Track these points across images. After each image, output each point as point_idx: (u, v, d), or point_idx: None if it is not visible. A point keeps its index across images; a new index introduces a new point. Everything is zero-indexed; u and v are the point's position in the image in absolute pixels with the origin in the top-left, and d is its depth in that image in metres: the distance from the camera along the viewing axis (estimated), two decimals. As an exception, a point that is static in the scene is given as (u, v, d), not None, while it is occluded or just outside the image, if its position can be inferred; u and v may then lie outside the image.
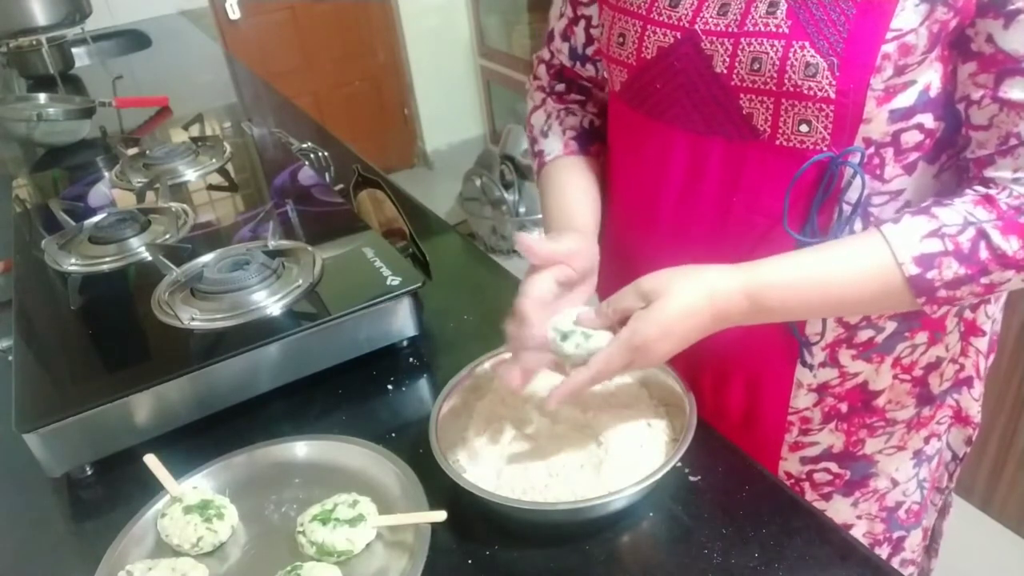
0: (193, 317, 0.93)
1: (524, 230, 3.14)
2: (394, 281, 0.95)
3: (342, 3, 3.66)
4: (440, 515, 0.69)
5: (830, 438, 0.87)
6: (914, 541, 0.98)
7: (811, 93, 0.66)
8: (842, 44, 0.64)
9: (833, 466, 0.89)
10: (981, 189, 0.67)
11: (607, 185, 0.90)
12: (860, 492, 0.91)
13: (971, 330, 0.85)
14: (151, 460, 0.77)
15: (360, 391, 0.93)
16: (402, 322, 0.96)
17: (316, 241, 1.07)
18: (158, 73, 2.39)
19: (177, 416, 0.88)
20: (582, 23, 0.89)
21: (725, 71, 0.69)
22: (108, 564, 0.69)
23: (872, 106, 0.66)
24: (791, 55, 0.65)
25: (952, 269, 0.64)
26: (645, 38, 0.74)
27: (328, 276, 1.00)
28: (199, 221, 1.23)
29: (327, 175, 1.41)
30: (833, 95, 0.65)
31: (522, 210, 3.12)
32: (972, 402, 0.90)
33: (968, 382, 0.89)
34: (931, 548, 1.03)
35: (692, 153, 0.76)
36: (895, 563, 0.98)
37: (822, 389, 0.83)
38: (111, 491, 0.83)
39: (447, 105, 4.02)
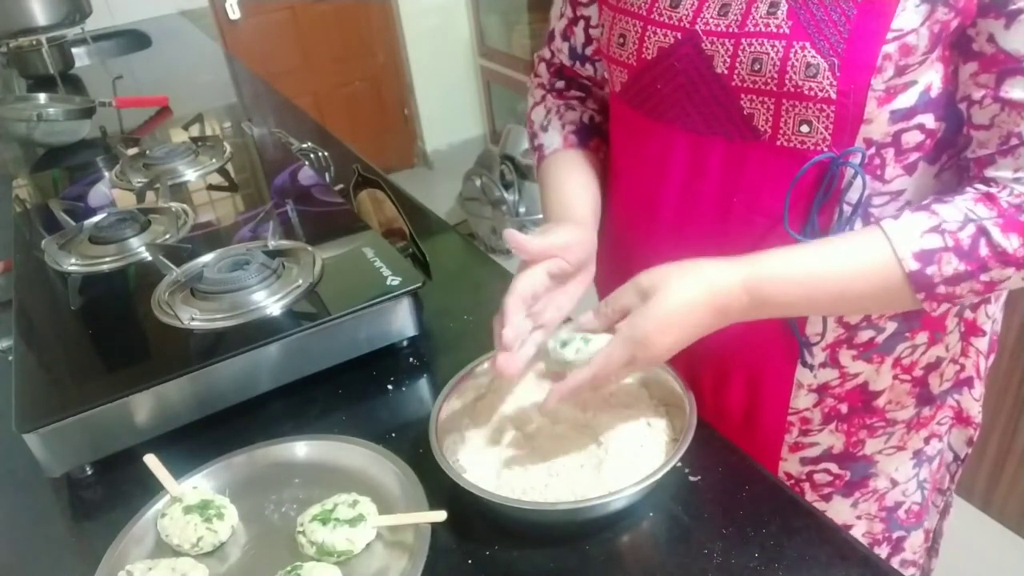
0: (193, 317, 0.93)
1: (524, 230, 3.13)
2: (394, 281, 0.95)
3: (342, 3, 3.66)
4: (440, 515, 0.69)
5: (830, 439, 0.87)
6: (915, 542, 0.98)
7: (812, 93, 0.66)
8: (843, 44, 0.64)
9: (833, 467, 0.89)
10: (982, 187, 0.67)
11: (608, 184, 0.90)
12: (860, 492, 0.91)
13: (971, 330, 0.85)
14: (151, 460, 0.77)
15: (360, 391, 0.93)
16: (402, 322, 0.96)
17: (316, 241, 1.07)
18: (158, 73, 2.39)
19: (177, 416, 0.88)
20: (581, 23, 0.90)
21: (726, 71, 0.69)
22: (108, 564, 0.69)
23: (873, 106, 0.66)
24: (792, 55, 0.65)
25: (952, 265, 0.64)
26: (645, 38, 0.74)
27: (328, 276, 1.00)
28: (199, 221, 1.23)
29: (327, 175, 1.40)
30: (834, 95, 0.65)
31: (522, 210, 3.12)
32: (973, 402, 0.90)
33: (969, 382, 0.89)
34: (932, 549, 1.03)
35: (693, 153, 0.76)
36: (895, 563, 0.98)
37: (822, 390, 0.83)
38: (111, 491, 0.83)
39: (447, 105, 4.02)
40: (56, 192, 1.45)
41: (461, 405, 0.81)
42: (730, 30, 0.69)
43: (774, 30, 0.66)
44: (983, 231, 0.64)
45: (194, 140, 1.55)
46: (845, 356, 0.80)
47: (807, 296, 0.68)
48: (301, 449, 0.81)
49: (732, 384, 0.86)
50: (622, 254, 0.86)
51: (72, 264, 1.11)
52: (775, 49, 0.66)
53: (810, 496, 0.91)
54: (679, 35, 0.72)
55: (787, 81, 0.66)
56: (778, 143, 0.70)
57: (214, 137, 1.57)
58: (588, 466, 0.73)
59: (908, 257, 0.65)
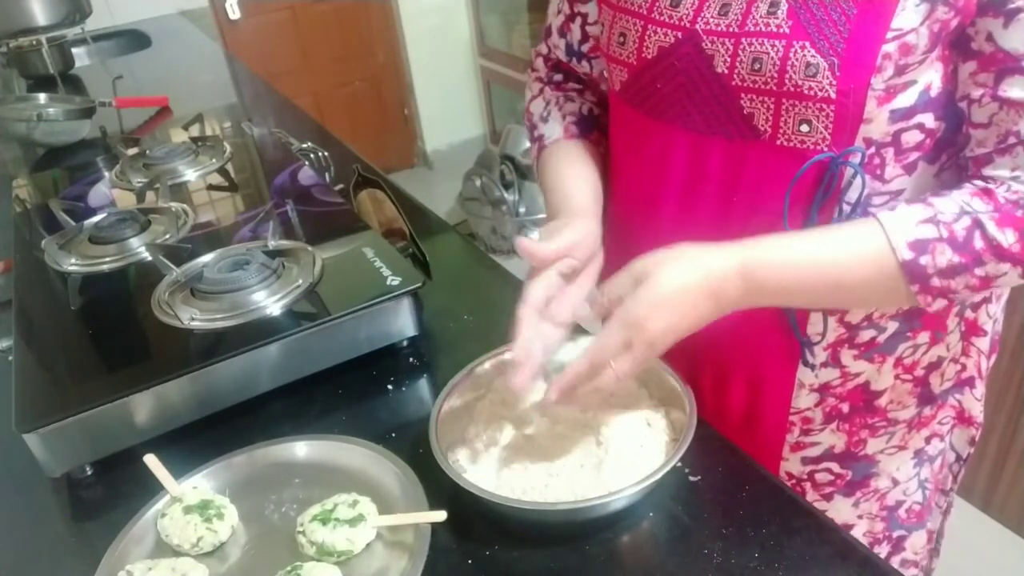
0: (193, 317, 0.93)
1: (524, 230, 3.14)
2: (394, 281, 0.95)
3: (342, 3, 3.66)
4: (440, 515, 0.69)
5: (831, 438, 0.87)
6: (917, 543, 0.98)
7: (812, 93, 0.66)
8: (843, 44, 0.64)
9: (835, 466, 0.89)
10: (980, 183, 0.67)
11: (608, 182, 0.90)
12: (861, 492, 0.91)
13: (972, 330, 0.84)
14: (151, 460, 0.77)
15: (360, 391, 0.93)
16: (402, 322, 0.96)
17: (316, 241, 1.07)
18: (158, 73, 2.39)
19: (177, 416, 0.88)
20: (578, 20, 0.90)
21: (726, 71, 0.69)
22: (108, 564, 0.69)
23: (873, 106, 0.66)
24: (792, 55, 0.65)
25: (946, 256, 0.64)
26: (646, 38, 0.74)
27: (328, 276, 1.00)
28: (199, 221, 1.23)
29: (327, 175, 1.40)
30: (834, 95, 0.65)
31: (522, 210, 3.12)
32: (974, 402, 0.90)
33: (970, 382, 0.89)
34: (934, 549, 1.03)
35: (693, 153, 0.76)
36: (895, 562, 0.98)
37: (824, 389, 0.83)
38: (111, 491, 0.83)
39: (447, 105, 4.02)
40: (56, 192, 1.45)
41: (461, 405, 0.81)
42: (730, 30, 0.69)
43: (774, 30, 0.66)
44: (978, 224, 0.64)
45: (194, 140, 1.54)
46: (846, 356, 0.80)
47: (802, 283, 0.67)
48: (301, 449, 0.81)
49: (733, 384, 0.86)
50: (622, 254, 0.86)
51: (72, 264, 1.11)
52: (775, 49, 0.66)
53: (811, 496, 0.91)
54: (679, 34, 0.72)
55: (787, 81, 0.66)
56: (778, 142, 0.70)
57: (214, 137, 1.57)
58: (588, 466, 0.73)
59: (902, 246, 0.64)
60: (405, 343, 0.98)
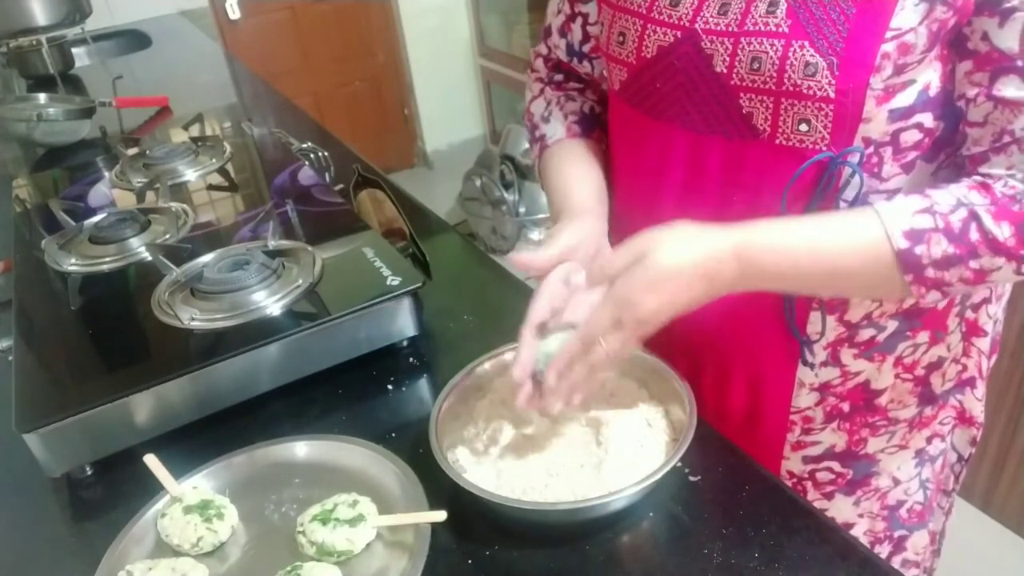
0: (193, 317, 0.93)
1: (524, 230, 3.14)
2: (394, 281, 0.95)
3: (342, 3, 3.66)
4: (440, 515, 0.69)
5: (832, 437, 0.87)
6: (918, 543, 0.98)
7: (811, 92, 0.66)
8: (842, 43, 0.64)
9: (836, 465, 0.89)
10: (978, 178, 0.66)
11: (609, 182, 0.90)
12: (862, 491, 0.91)
13: (973, 330, 0.84)
14: (151, 460, 0.77)
15: (360, 391, 0.93)
16: (402, 322, 0.96)
17: (316, 241, 1.07)
18: (158, 73, 2.39)
19: (177, 416, 0.88)
20: (579, 20, 0.90)
21: (725, 70, 0.69)
22: (108, 564, 0.69)
23: (872, 105, 0.66)
24: (791, 54, 0.65)
25: (941, 247, 0.64)
26: (645, 37, 0.74)
27: (328, 276, 1.00)
28: (199, 221, 1.23)
29: (327, 175, 1.40)
30: (833, 94, 0.65)
31: (522, 210, 3.12)
32: (975, 402, 0.90)
33: (971, 382, 0.89)
34: (936, 550, 1.03)
35: (692, 152, 0.76)
36: (896, 562, 0.98)
37: (824, 388, 0.83)
38: (111, 491, 0.83)
39: (447, 105, 4.02)
40: (56, 192, 1.45)
41: (461, 405, 0.81)
42: (729, 29, 0.69)
43: (773, 29, 0.66)
44: (974, 216, 0.64)
45: (194, 140, 1.55)
46: (846, 355, 0.80)
47: (797, 268, 0.67)
48: (301, 449, 0.81)
49: (733, 384, 0.86)
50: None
51: (72, 264, 1.11)
52: (774, 48, 0.66)
53: (812, 495, 0.91)
54: (679, 34, 0.72)
55: (786, 80, 0.66)
56: (777, 142, 0.70)
57: (214, 137, 1.57)
58: (588, 466, 0.73)
59: (898, 235, 0.64)
60: (405, 343, 0.98)
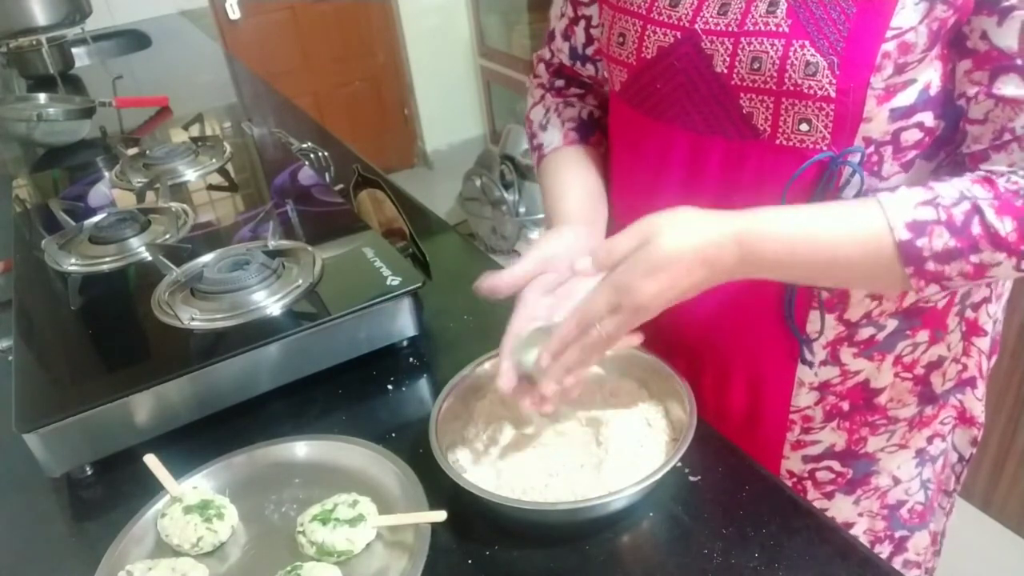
0: (193, 317, 0.93)
1: (523, 231, 3.14)
2: (394, 281, 0.95)
3: (342, 3, 3.66)
4: (440, 515, 0.69)
5: (832, 436, 0.87)
6: (920, 543, 0.98)
7: (811, 92, 0.66)
8: (842, 43, 0.64)
9: (835, 464, 0.89)
10: (982, 172, 0.66)
11: (609, 183, 0.90)
12: (862, 490, 0.91)
13: (973, 330, 0.84)
14: (151, 460, 0.77)
15: (360, 391, 0.93)
16: (402, 322, 0.96)
17: (316, 241, 1.07)
18: (158, 73, 2.39)
19: (177, 416, 0.88)
20: (582, 23, 0.90)
21: (725, 71, 0.69)
22: (108, 564, 0.69)
23: (872, 105, 0.66)
24: (791, 54, 0.65)
25: (943, 239, 0.63)
26: (645, 38, 0.74)
27: (328, 276, 1.00)
28: (199, 221, 1.23)
29: (327, 175, 1.40)
30: (833, 94, 0.65)
31: (522, 210, 3.12)
32: (976, 402, 0.90)
33: (971, 382, 0.89)
34: (937, 550, 1.03)
35: (692, 153, 0.76)
36: (898, 562, 0.98)
37: (823, 387, 0.83)
38: (111, 491, 0.83)
39: (447, 105, 4.02)
40: (56, 192, 1.45)
41: (461, 405, 0.81)
42: (729, 29, 0.69)
43: (773, 29, 0.66)
44: (977, 209, 0.63)
45: (194, 140, 1.55)
46: (846, 354, 0.80)
47: (797, 256, 0.66)
48: (301, 449, 0.81)
49: (733, 383, 0.86)
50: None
51: (72, 264, 1.11)
52: (774, 48, 0.66)
53: (812, 494, 0.91)
54: (679, 34, 0.72)
55: (786, 80, 0.66)
56: (777, 142, 0.70)
57: (214, 137, 1.57)
58: (588, 466, 0.73)
59: (900, 226, 0.64)
60: (405, 343, 0.98)
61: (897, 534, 0.96)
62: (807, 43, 0.65)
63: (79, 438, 0.83)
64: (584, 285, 0.71)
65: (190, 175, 1.41)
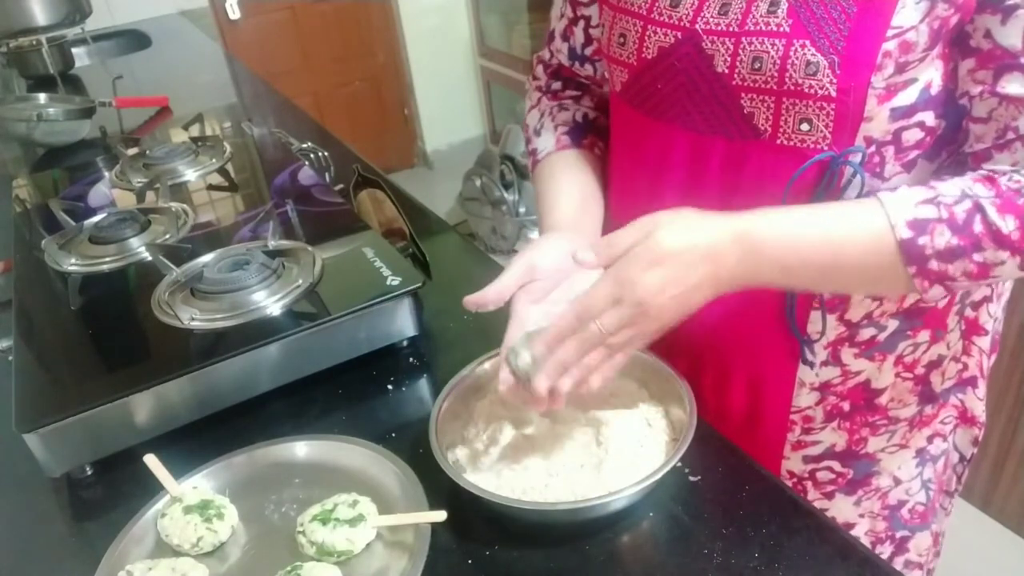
0: (193, 317, 0.93)
1: (524, 230, 3.14)
2: (394, 281, 0.95)
3: (342, 3, 3.66)
4: (440, 515, 0.69)
5: (832, 437, 0.87)
6: (921, 544, 0.98)
7: (812, 92, 0.66)
8: (843, 42, 0.64)
9: (836, 464, 0.89)
10: (984, 171, 0.66)
11: (609, 183, 0.90)
12: (863, 490, 0.91)
13: (973, 329, 0.84)
14: (151, 460, 0.77)
15: (360, 391, 0.93)
16: (402, 322, 0.96)
17: (316, 241, 1.07)
18: (158, 73, 2.39)
19: (177, 416, 0.88)
20: (581, 23, 0.90)
21: (726, 71, 0.69)
22: (108, 564, 0.69)
23: (873, 104, 0.66)
24: (792, 54, 0.65)
25: (944, 238, 0.63)
26: (646, 38, 0.74)
27: (328, 276, 1.00)
28: (199, 221, 1.23)
29: (327, 175, 1.40)
30: (834, 93, 0.65)
31: (522, 210, 3.12)
32: (977, 402, 0.90)
33: (972, 382, 0.89)
34: (938, 551, 1.03)
35: (693, 153, 0.76)
36: (899, 563, 0.98)
37: (824, 388, 0.83)
38: (111, 491, 0.83)
39: (447, 105, 4.02)
40: (56, 192, 1.45)
41: (461, 405, 0.81)
42: (730, 29, 0.69)
43: (774, 28, 0.66)
44: (979, 207, 0.63)
45: (194, 140, 1.55)
46: (847, 354, 0.80)
47: (799, 255, 0.66)
48: (301, 449, 0.81)
49: (734, 384, 0.86)
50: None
51: (72, 264, 1.11)
52: (775, 48, 0.66)
53: (813, 494, 0.91)
54: (679, 34, 0.72)
55: (787, 79, 0.66)
56: (778, 142, 0.70)
57: (214, 137, 1.57)
58: (588, 466, 0.73)
59: (901, 224, 0.64)
60: (405, 343, 0.98)
61: (898, 534, 0.96)
62: (808, 43, 0.65)
63: (79, 438, 0.83)
64: (580, 287, 0.70)
65: (190, 175, 1.41)
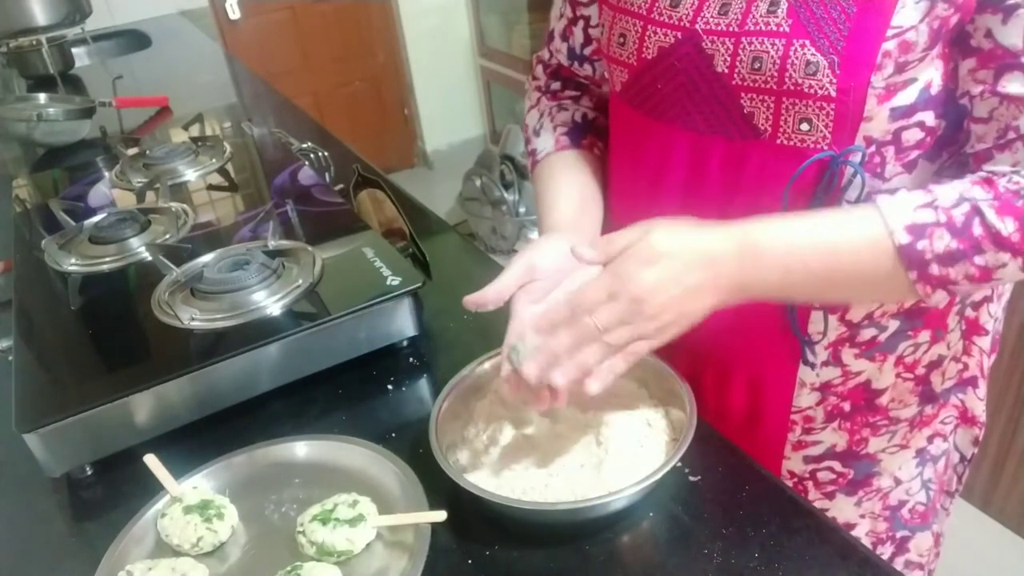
0: (193, 317, 0.93)
1: (524, 230, 3.14)
2: (394, 281, 0.95)
3: (342, 3, 3.66)
4: (440, 515, 0.69)
5: (833, 437, 0.87)
6: (922, 544, 0.98)
7: (812, 91, 0.66)
8: (843, 42, 0.64)
9: (836, 465, 0.89)
10: (982, 173, 0.66)
11: (609, 184, 0.90)
12: (863, 491, 0.91)
13: (973, 329, 0.84)
14: (151, 460, 0.77)
15: (360, 391, 0.93)
16: (402, 322, 0.96)
17: (316, 241, 1.07)
18: (158, 73, 2.39)
19: (177, 416, 0.88)
20: (581, 23, 0.90)
21: (726, 71, 0.69)
22: (108, 564, 0.69)
23: (873, 104, 0.66)
24: (792, 54, 0.65)
25: (944, 241, 0.63)
26: (646, 38, 0.74)
27: (328, 276, 1.00)
28: (199, 221, 1.23)
29: (327, 175, 1.40)
30: (834, 93, 0.65)
31: (522, 210, 3.12)
32: (977, 402, 0.90)
33: (973, 382, 0.89)
34: (938, 551, 1.03)
35: (693, 153, 0.76)
36: (899, 563, 0.98)
37: (825, 388, 0.83)
38: (111, 491, 0.83)
39: (447, 105, 4.02)
40: (56, 192, 1.45)
41: (461, 405, 0.81)
42: (730, 29, 0.69)
43: (774, 28, 0.66)
44: (977, 210, 0.63)
45: (194, 140, 1.55)
46: (847, 354, 0.80)
47: (798, 262, 0.65)
48: (301, 449, 0.81)
49: (734, 384, 0.86)
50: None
51: (72, 264, 1.11)
52: (775, 47, 0.66)
53: (813, 495, 0.91)
54: (679, 34, 0.72)
55: (787, 79, 0.66)
56: (778, 142, 0.70)
57: (214, 137, 1.57)
58: (588, 466, 0.73)
59: (899, 230, 0.63)
60: (405, 343, 0.98)
61: (899, 535, 0.96)
62: (807, 42, 0.65)
63: (79, 438, 0.83)
64: (578, 285, 0.70)
65: (190, 175, 1.41)
